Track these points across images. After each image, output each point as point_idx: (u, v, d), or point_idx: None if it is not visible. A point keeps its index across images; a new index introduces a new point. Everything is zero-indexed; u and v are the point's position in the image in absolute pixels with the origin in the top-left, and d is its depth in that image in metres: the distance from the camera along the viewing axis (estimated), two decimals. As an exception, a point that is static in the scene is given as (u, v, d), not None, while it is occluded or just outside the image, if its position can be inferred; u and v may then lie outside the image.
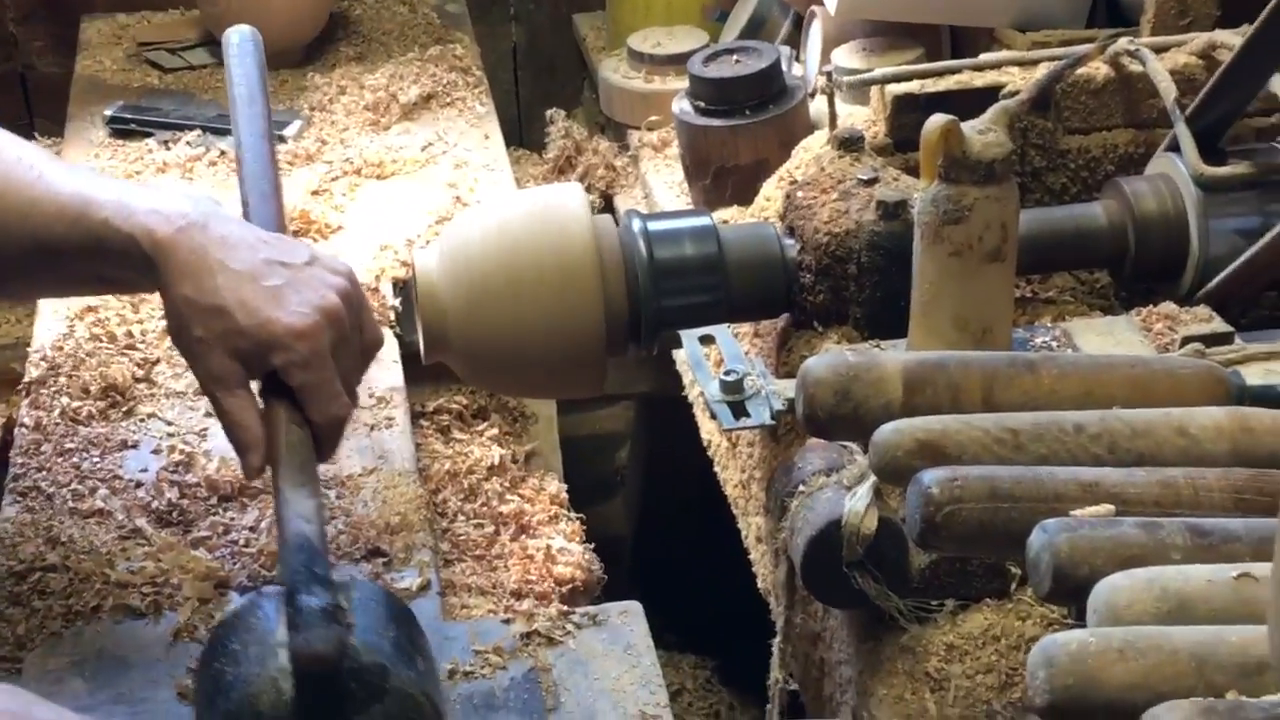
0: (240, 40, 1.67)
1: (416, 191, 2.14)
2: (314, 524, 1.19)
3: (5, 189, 1.35)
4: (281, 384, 1.27)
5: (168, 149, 2.25)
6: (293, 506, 1.20)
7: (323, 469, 1.54)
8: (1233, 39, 1.66)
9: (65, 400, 1.67)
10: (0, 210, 1.35)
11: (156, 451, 1.61)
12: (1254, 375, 1.31)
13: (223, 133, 2.30)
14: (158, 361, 1.75)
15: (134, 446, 1.62)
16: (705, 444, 1.79)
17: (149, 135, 2.30)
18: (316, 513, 1.21)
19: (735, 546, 1.71)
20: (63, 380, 1.70)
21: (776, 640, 1.46)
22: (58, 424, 1.64)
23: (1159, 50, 1.71)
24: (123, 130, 2.32)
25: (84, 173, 1.42)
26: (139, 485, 1.55)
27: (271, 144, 1.59)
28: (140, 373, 1.73)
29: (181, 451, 1.60)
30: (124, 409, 1.67)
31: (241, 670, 1.11)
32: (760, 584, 1.63)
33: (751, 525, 1.64)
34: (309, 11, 2.54)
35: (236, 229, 1.31)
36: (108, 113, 2.33)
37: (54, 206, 1.33)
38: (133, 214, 1.30)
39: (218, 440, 1.62)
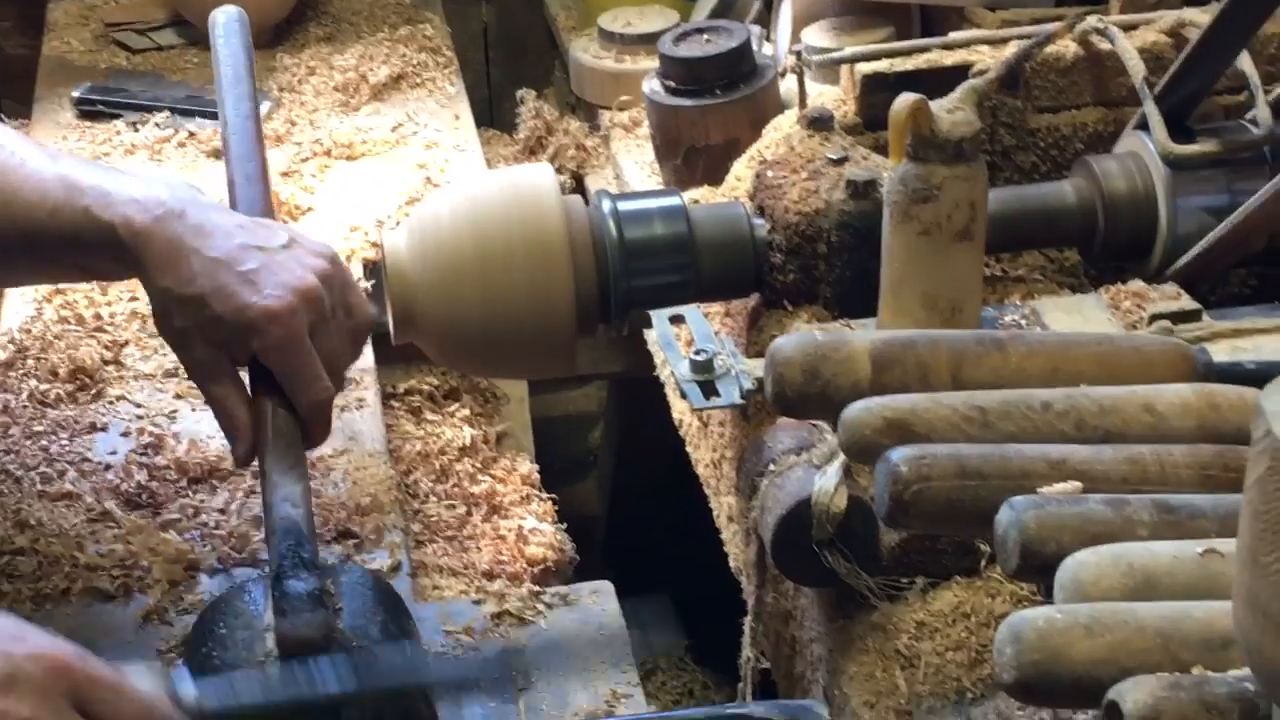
0: (226, 21, 1.67)
1: (386, 172, 2.13)
2: (300, 508, 1.19)
3: None
4: (267, 370, 1.26)
5: (136, 131, 2.24)
6: (279, 491, 1.20)
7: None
8: (1201, 17, 1.67)
9: (33, 383, 1.66)
10: None
11: (126, 434, 1.60)
12: (1221, 352, 1.32)
13: (191, 114, 2.29)
14: (126, 344, 1.74)
15: (103, 429, 1.61)
16: (677, 423, 1.79)
17: (117, 117, 2.28)
18: (303, 497, 1.21)
19: (708, 525, 1.71)
20: (31, 363, 1.69)
21: (748, 619, 1.47)
22: (26, 407, 1.63)
23: (1128, 28, 1.71)
24: (90, 112, 2.30)
25: (66, 159, 1.41)
26: (108, 468, 1.55)
27: (258, 125, 1.59)
28: (109, 355, 1.72)
29: (151, 434, 1.59)
30: (93, 391, 1.67)
31: (229, 655, 1.11)
32: (732, 563, 1.63)
33: (723, 504, 1.64)
34: (278, -9, 2.53)
35: (214, 215, 1.30)
36: (75, 94, 2.32)
37: (36, 194, 1.32)
38: (112, 203, 1.29)
39: (187, 422, 1.62)
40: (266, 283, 1.25)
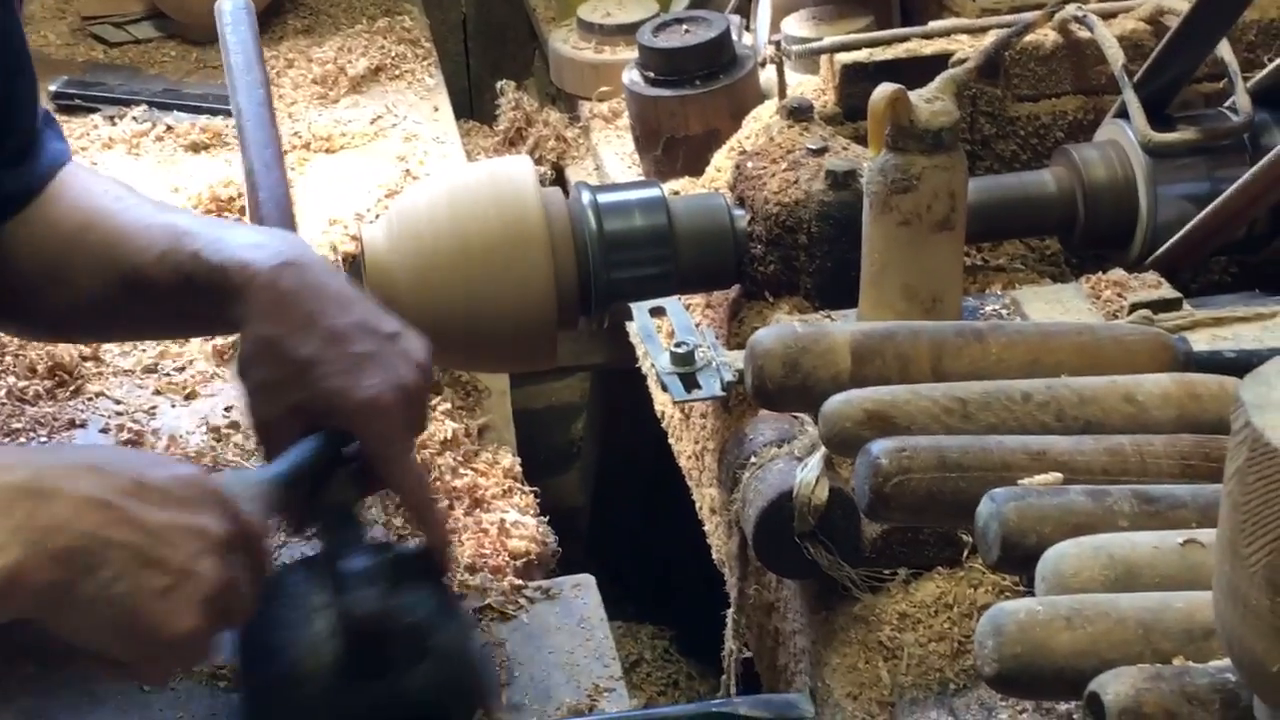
0: (234, 8, 1.67)
1: (365, 165, 2.13)
2: (349, 496, 1.20)
3: (91, 220, 1.34)
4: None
5: (114, 124, 2.24)
6: (329, 486, 1.20)
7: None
8: (1180, 4, 1.67)
9: (11, 380, 1.65)
10: (87, 242, 1.33)
11: (105, 430, 1.59)
12: (1201, 341, 1.32)
13: (169, 107, 2.28)
14: (105, 339, 1.73)
15: (82, 426, 1.60)
16: (659, 415, 1.79)
17: (94, 110, 2.28)
18: (353, 483, 1.21)
19: (691, 517, 1.71)
20: (9, 360, 1.68)
21: (730, 611, 1.46)
22: (4, 404, 1.62)
23: (1107, 16, 1.71)
24: (68, 105, 2.29)
25: (177, 210, 1.40)
26: (87, 465, 1.53)
27: (272, 111, 1.59)
28: (88, 351, 1.71)
29: (130, 430, 1.59)
30: (71, 388, 1.66)
31: (283, 636, 1.12)
32: (715, 555, 1.63)
33: (705, 496, 1.64)
34: (256, -16, 2.51)
35: (332, 280, 1.26)
36: (52, 88, 2.31)
37: (143, 239, 1.31)
38: (224, 248, 1.26)
39: (166, 418, 1.61)
40: (374, 371, 1.20)
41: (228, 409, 1.63)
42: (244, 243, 1.28)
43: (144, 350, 1.72)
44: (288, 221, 1.56)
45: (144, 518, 1.00)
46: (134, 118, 2.24)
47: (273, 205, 1.57)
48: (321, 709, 1.12)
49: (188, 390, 1.66)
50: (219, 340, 1.73)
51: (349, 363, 1.20)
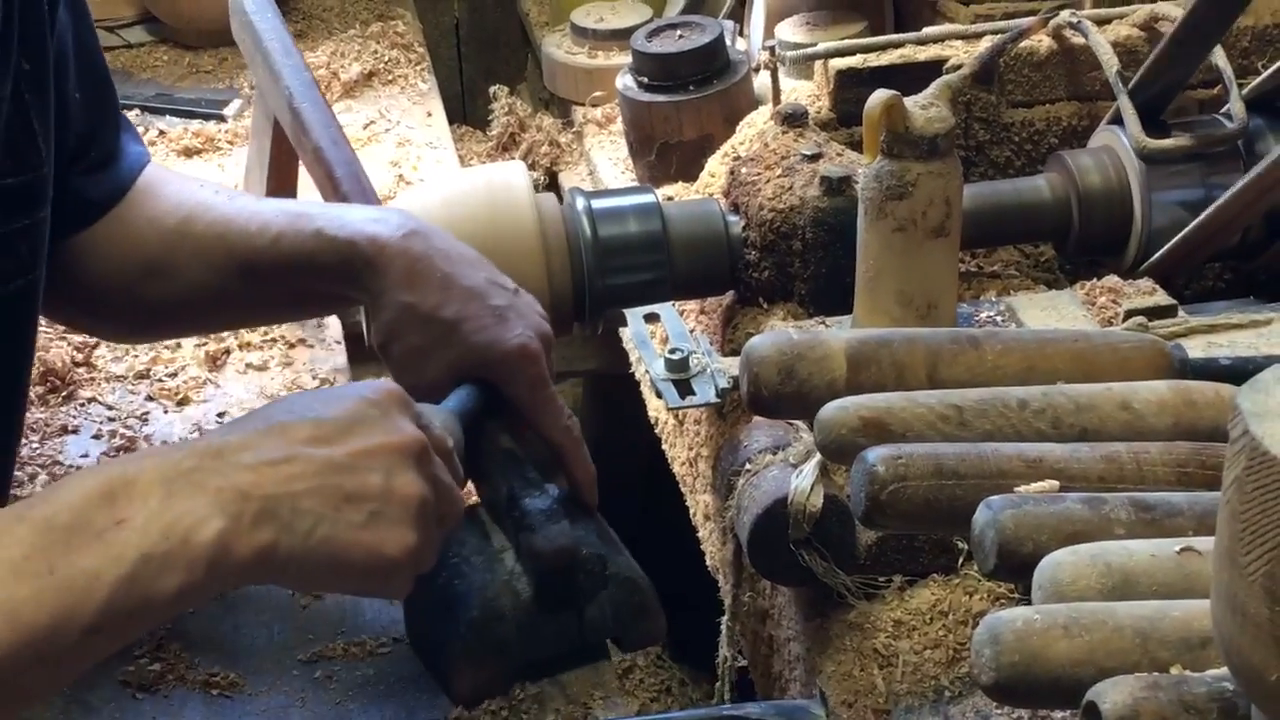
0: None
1: (359, 170, 2.12)
2: (511, 442, 1.26)
3: (196, 212, 1.37)
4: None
5: (106, 129, 2.22)
6: (489, 434, 1.25)
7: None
8: (1174, 10, 1.67)
9: (3, 386, 1.64)
10: (194, 232, 1.37)
11: (97, 436, 1.59)
12: (1197, 348, 1.32)
13: (161, 112, 2.28)
14: (97, 344, 1.73)
15: (74, 431, 1.60)
16: (653, 421, 1.79)
17: (87, 115, 2.27)
18: (510, 431, 1.26)
19: (685, 523, 1.70)
20: (1, 365, 1.68)
21: (725, 618, 1.46)
22: (-4, 409, 1.61)
23: (1101, 22, 1.71)
24: (60, 110, 2.28)
25: (283, 200, 1.44)
26: (79, 470, 1.53)
27: (320, 91, 1.59)
28: (80, 356, 1.71)
29: (123, 436, 1.58)
30: (63, 394, 1.65)
31: (473, 579, 1.18)
32: (709, 561, 1.63)
33: (699, 503, 1.64)
34: (248, -12, 2.51)
35: (457, 244, 1.31)
36: (44, 93, 2.30)
37: (255, 223, 1.34)
38: (348, 224, 1.30)
39: (159, 424, 1.61)
40: (516, 323, 1.26)
41: (220, 415, 1.62)
42: (365, 217, 1.32)
43: (136, 356, 1.71)
44: (370, 193, 1.56)
45: (328, 458, 1.02)
46: (126, 122, 2.24)
47: (353, 180, 1.56)
48: (521, 643, 1.18)
49: (180, 396, 1.66)
50: (210, 345, 1.72)
51: (492, 317, 1.26)
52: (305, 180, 1.69)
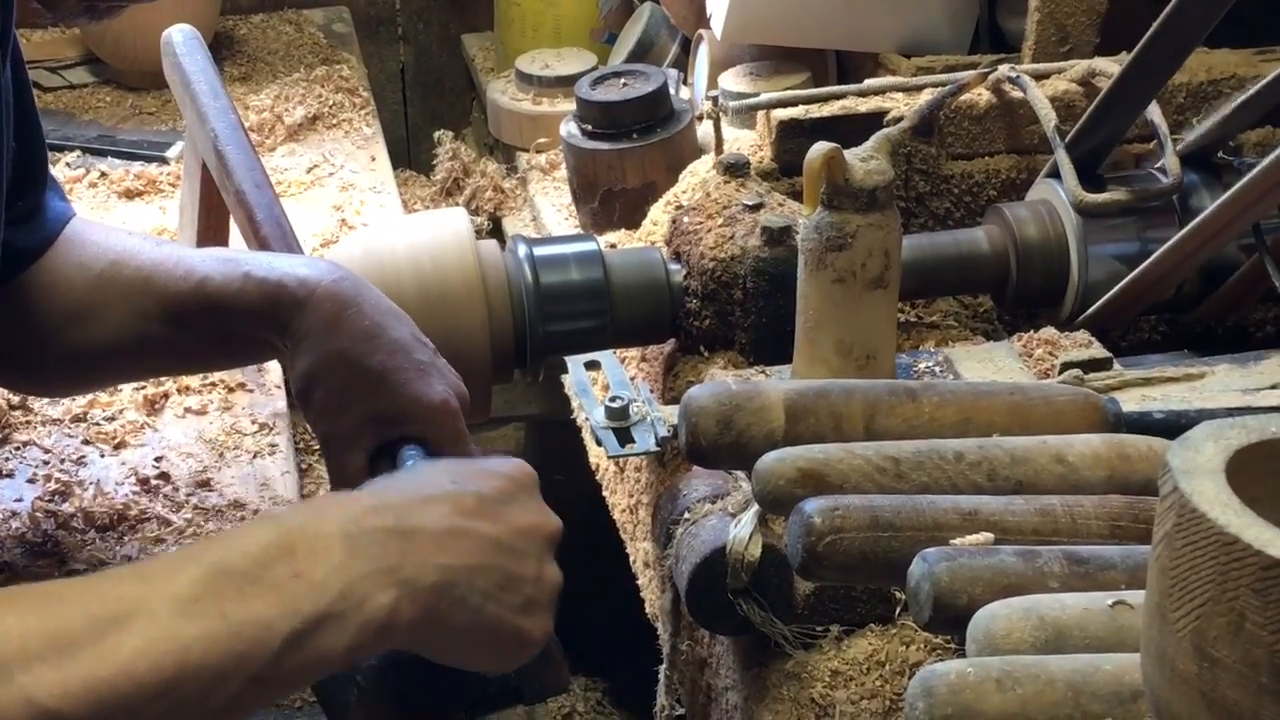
0: (185, 39, 1.66)
1: (302, 214, 2.12)
2: None
3: (122, 257, 1.36)
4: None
5: (47, 170, 2.21)
6: None
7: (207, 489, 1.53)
8: (1111, 66, 1.69)
9: (-63, 428, 1.63)
10: (121, 277, 1.35)
11: (32, 480, 1.57)
12: (1131, 401, 1.33)
13: (103, 153, 2.27)
14: (34, 387, 1.71)
15: (9, 475, 1.58)
16: (594, 468, 1.79)
17: (27, 155, 2.25)
18: None
19: (625, 569, 1.70)
20: (-65, 408, 1.66)
21: (663, 667, 1.46)
22: (-70, 453, 1.60)
23: (1040, 77, 1.74)
24: (0, 150, 2.27)
25: (211, 248, 1.41)
26: (13, 515, 1.52)
27: (246, 135, 1.58)
28: (15, 400, 1.69)
29: (58, 480, 1.56)
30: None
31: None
32: (648, 609, 1.63)
33: (639, 550, 1.64)
34: (192, 30, 2.51)
35: (381, 296, 1.30)
36: (-15, 132, 2.28)
37: (181, 268, 1.33)
38: (277, 267, 1.29)
39: (95, 468, 1.60)
40: (438, 379, 1.26)
41: (157, 459, 1.61)
42: (295, 262, 1.31)
43: (73, 400, 1.70)
44: (292, 238, 1.55)
45: (494, 535, 1.03)
46: (67, 163, 2.23)
47: (272, 224, 1.55)
48: (419, 691, 1.15)
49: (117, 440, 1.64)
50: (149, 389, 1.71)
51: (416, 371, 1.25)
52: (246, 224, 1.68)
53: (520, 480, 1.08)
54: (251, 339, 1.33)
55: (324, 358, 1.25)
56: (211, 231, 1.75)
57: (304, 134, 2.37)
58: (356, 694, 1.16)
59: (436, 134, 2.47)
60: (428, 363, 1.26)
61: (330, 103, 2.45)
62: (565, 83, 2.31)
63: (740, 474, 1.28)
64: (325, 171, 2.26)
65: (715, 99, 1.82)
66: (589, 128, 1.96)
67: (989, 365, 1.42)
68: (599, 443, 1.40)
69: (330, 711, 1.20)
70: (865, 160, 1.31)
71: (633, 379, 1.51)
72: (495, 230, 2.31)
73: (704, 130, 1.96)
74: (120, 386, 1.72)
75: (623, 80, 1.98)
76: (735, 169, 1.60)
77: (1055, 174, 1.63)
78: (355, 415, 1.25)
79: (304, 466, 1.70)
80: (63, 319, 1.37)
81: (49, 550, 1.47)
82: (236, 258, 1.34)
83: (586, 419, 1.47)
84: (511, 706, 1.21)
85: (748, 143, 1.80)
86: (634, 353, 1.67)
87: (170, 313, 1.33)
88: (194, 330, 1.34)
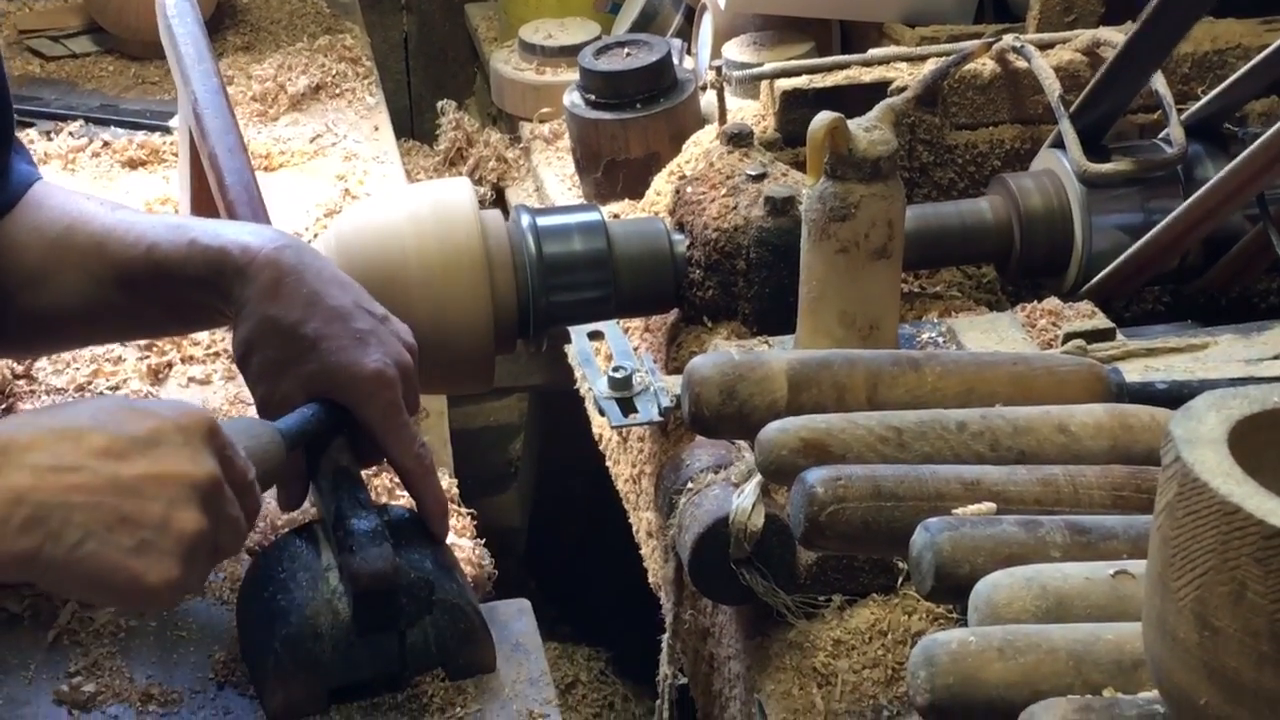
0: (177, 2, 1.66)
1: (305, 184, 2.12)
2: (349, 461, 1.25)
3: (77, 222, 1.37)
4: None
5: (50, 139, 2.21)
6: (329, 452, 1.25)
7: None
8: (1116, 36, 1.69)
9: (-58, 398, 1.63)
10: (75, 242, 1.36)
11: (36, 450, 1.57)
12: (1134, 372, 1.33)
13: (106, 123, 2.26)
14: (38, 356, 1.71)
15: (13, 445, 1.58)
16: (597, 438, 1.79)
17: (30, 125, 2.25)
18: (350, 451, 1.26)
19: (628, 539, 1.71)
20: (-62, 377, 1.66)
21: (666, 636, 1.46)
22: (-66, 422, 1.60)
23: (1044, 47, 1.73)
24: (3, 120, 2.27)
25: (166, 215, 1.39)
26: (18, 485, 1.52)
27: (227, 98, 1.58)
28: (20, 369, 1.69)
29: (62, 450, 1.56)
30: (3, 407, 1.64)
31: (295, 596, 1.17)
32: (651, 579, 1.63)
33: (642, 520, 1.64)
34: (195, -1, 2.50)
35: (328, 265, 1.31)
36: (-13, 102, 2.28)
37: (132, 234, 1.33)
38: (222, 235, 1.30)
39: (99, 438, 1.59)
40: (376, 347, 1.26)
41: (162, 429, 1.61)
42: (241, 230, 1.32)
43: (77, 369, 1.70)
44: (257, 205, 1.55)
45: (115, 474, 1.03)
46: (70, 133, 2.22)
47: (240, 189, 1.55)
48: (336, 663, 1.16)
49: (121, 409, 1.64)
50: (153, 359, 1.71)
51: (352, 339, 1.25)
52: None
53: (182, 425, 1.07)
54: (200, 305, 1.33)
55: (260, 324, 1.26)
56: (204, 195, 1.74)
57: (307, 104, 2.36)
58: (274, 663, 1.17)
59: (440, 104, 2.46)
60: (367, 330, 1.26)
61: (333, 72, 2.44)
62: (569, 52, 2.31)
63: (743, 444, 1.28)
64: (328, 141, 2.25)
65: (719, 69, 1.82)
66: (592, 98, 1.96)
67: (992, 335, 1.42)
68: (602, 413, 1.40)
69: (254, 682, 1.21)
70: (869, 130, 1.31)
71: (636, 349, 1.51)
72: (498, 200, 2.31)
73: (707, 100, 1.96)
74: (124, 356, 1.72)
75: (626, 50, 1.98)
76: (739, 139, 1.59)
77: (1059, 144, 1.63)
78: (289, 382, 1.25)
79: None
80: (19, 282, 1.38)
81: (53, 519, 1.47)
82: (185, 224, 1.35)
83: (590, 389, 1.48)
84: (426, 673, 1.20)
85: (751, 113, 1.79)
86: (637, 323, 1.67)
87: (122, 279, 1.34)
88: (145, 296, 1.35)
